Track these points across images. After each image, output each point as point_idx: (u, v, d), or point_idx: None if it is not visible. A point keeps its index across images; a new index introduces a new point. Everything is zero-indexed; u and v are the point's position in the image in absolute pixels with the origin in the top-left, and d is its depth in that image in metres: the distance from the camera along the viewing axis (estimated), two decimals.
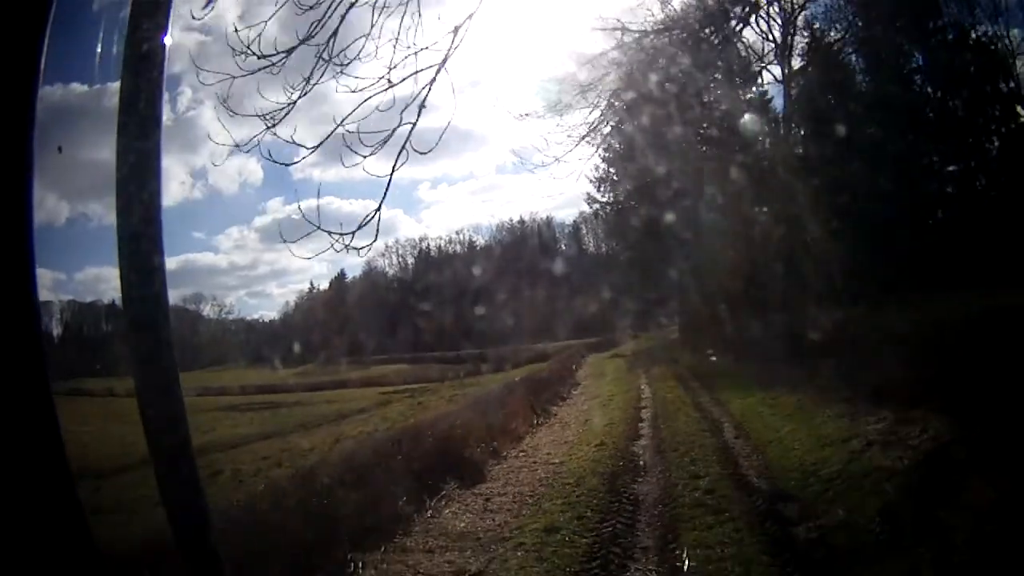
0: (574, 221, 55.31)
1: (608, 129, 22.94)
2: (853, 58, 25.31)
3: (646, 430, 9.30)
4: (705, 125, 23.07)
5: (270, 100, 6.26)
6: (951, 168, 25.99)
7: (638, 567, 4.49)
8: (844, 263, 15.41)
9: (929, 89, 25.87)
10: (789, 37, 21.12)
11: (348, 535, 5.50)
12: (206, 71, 6.14)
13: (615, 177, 32.00)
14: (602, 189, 33.78)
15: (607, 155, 28.13)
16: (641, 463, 7.37)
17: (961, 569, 3.92)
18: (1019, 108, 27.63)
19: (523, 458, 8.68)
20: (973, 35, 26.80)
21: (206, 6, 6.72)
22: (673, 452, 7.60)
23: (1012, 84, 27.58)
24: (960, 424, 5.92)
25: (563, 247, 65.12)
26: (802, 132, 26.93)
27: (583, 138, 14.98)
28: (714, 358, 16.21)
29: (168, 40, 1.80)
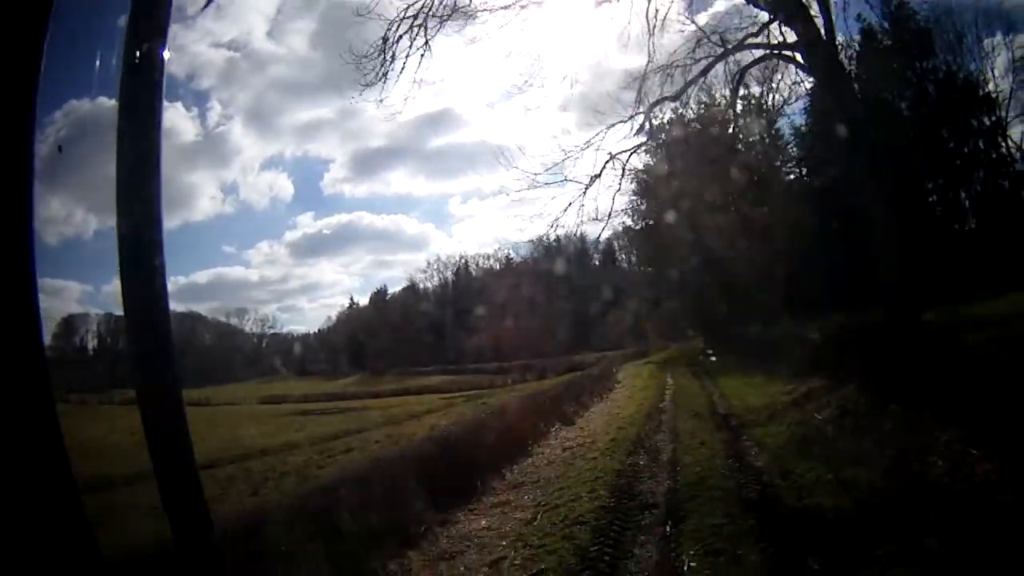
0: (607, 238, 60.53)
1: (640, 164, 29.50)
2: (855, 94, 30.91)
3: (668, 398, 16.05)
4: (725, 166, 28.73)
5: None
6: (937, 197, 31.75)
7: (659, 437, 11.12)
8: (817, 290, 21.68)
9: (922, 123, 31.63)
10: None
11: (527, 439, 12.18)
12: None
13: (644, 207, 38.22)
14: (635, 218, 39.95)
15: (639, 188, 34.38)
16: (664, 409, 14.09)
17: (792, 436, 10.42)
18: (1000, 140, 33.76)
19: (594, 415, 15.38)
20: (960, 75, 32.83)
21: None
22: (682, 405, 14.29)
23: (994, 118, 33.65)
24: (824, 382, 12.38)
25: (596, 263, 70.74)
26: (805, 172, 33.02)
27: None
28: (714, 358, 22.64)
29: (168, 41, 1.83)
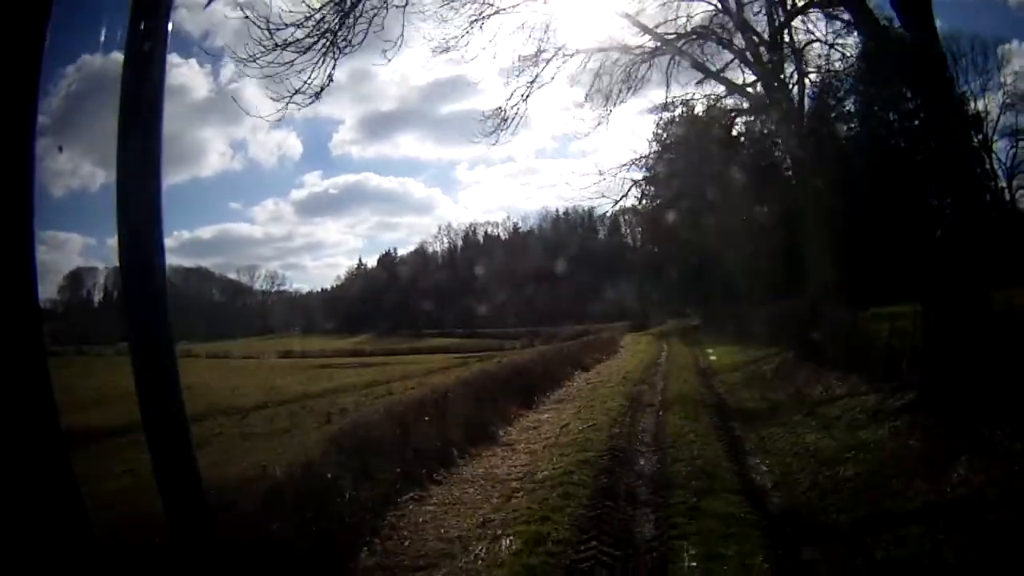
0: (614, 213, 64.60)
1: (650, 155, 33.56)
2: (851, 105, 34.79)
3: (663, 358, 21.32)
4: (725, 162, 33.00)
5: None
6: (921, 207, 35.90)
7: (656, 378, 16.31)
8: (797, 277, 26.59)
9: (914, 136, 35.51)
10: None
11: (558, 378, 17.31)
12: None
13: (653, 191, 42.77)
14: (643, 201, 44.50)
15: (648, 174, 38.83)
16: (660, 364, 19.31)
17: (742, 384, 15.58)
18: (984, 156, 38.17)
19: (606, 367, 20.61)
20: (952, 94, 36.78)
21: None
22: (673, 362, 19.51)
23: (981, 136, 37.87)
24: (776, 349, 17.48)
25: (603, 237, 74.98)
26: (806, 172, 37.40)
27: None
28: (705, 333, 27.90)
29: (169, 40, 1.90)
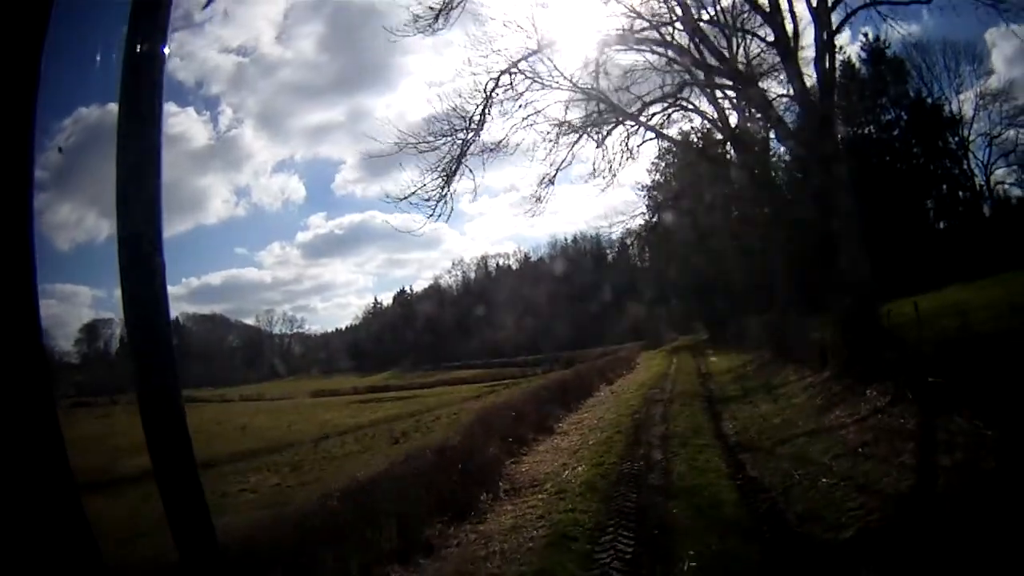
0: (620, 237, 69.31)
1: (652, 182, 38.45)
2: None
3: (671, 369, 26.61)
4: (722, 188, 38.09)
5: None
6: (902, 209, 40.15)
7: (666, 383, 21.56)
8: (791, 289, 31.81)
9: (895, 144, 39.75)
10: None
11: (588, 390, 22.57)
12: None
13: (656, 220, 48.12)
14: (645, 226, 49.83)
15: (649, 200, 44.04)
16: (670, 373, 24.60)
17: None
18: (961, 157, 42.58)
19: (626, 380, 25.87)
20: (929, 100, 41.17)
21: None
22: (680, 371, 24.85)
23: (957, 138, 42.29)
24: (760, 352, 22.72)
25: (612, 260, 79.97)
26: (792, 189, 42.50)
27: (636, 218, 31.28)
28: (710, 350, 33.12)
29: (167, 42, 1.98)
